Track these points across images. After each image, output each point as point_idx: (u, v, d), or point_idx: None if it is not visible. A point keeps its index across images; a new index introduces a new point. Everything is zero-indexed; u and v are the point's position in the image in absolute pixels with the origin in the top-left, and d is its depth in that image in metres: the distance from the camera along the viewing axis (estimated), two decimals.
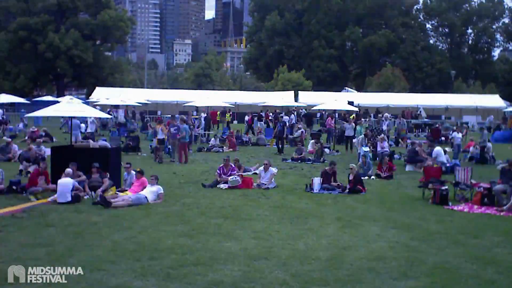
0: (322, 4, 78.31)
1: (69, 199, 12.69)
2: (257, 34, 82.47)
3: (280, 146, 25.46)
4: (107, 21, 68.42)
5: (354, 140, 25.50)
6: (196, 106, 39.15)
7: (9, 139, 22.79)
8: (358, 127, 25.56)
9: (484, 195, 13.32)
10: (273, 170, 16.33)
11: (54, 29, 65.56)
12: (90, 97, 52.20)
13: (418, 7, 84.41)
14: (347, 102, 39.39)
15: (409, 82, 70.00)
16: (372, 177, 17.92)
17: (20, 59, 65.43)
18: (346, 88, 65.23)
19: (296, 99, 52.61)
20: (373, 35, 76.86)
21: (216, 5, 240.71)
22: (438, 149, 20.34)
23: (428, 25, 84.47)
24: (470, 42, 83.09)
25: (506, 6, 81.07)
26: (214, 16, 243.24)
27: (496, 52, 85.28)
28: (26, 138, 25.73)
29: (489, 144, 23.60)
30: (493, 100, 53.66)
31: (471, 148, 23.42)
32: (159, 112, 48.08)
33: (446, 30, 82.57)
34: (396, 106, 48.65)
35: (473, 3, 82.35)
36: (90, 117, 27.97)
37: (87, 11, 70.36)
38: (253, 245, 9.27)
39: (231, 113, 42.89)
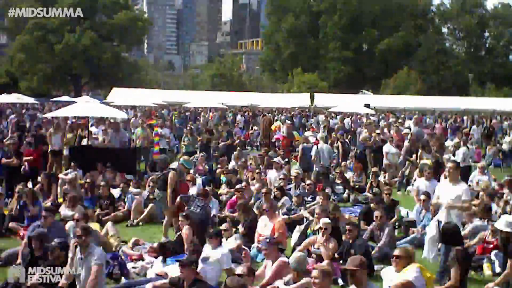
0: (338, 6, 77.90)
1: None
2: (274, 36, 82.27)
3: None
4: (124, 22, 68.59)
5: None
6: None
7: None
8: None
9: None
10: None
11: (71, 29, 65.91)
12: (107, 98, 52.26)
13: (433, 10, 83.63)
14: (364, 105, 39.15)
15: (425, 85, 69.31)
16: None
17: (37, 59, 65.81)
18: (362, 90, 64.79)
19: (312, 101, 52.34)
20: (390, 37, 76.31)
21: (233, 6, 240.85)
22: None
23: (444, 29, 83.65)
24: (487, 45, 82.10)
25: None
26: (231, 18, 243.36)
27: None
28: None
29: None
30: (511, 104, 52.84)
31: None
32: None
33: (462, 33, 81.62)
34: (413, 108, 48.12)
35: (488, 7, 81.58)
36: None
37: (104, 11, 70.61)
38: None
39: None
